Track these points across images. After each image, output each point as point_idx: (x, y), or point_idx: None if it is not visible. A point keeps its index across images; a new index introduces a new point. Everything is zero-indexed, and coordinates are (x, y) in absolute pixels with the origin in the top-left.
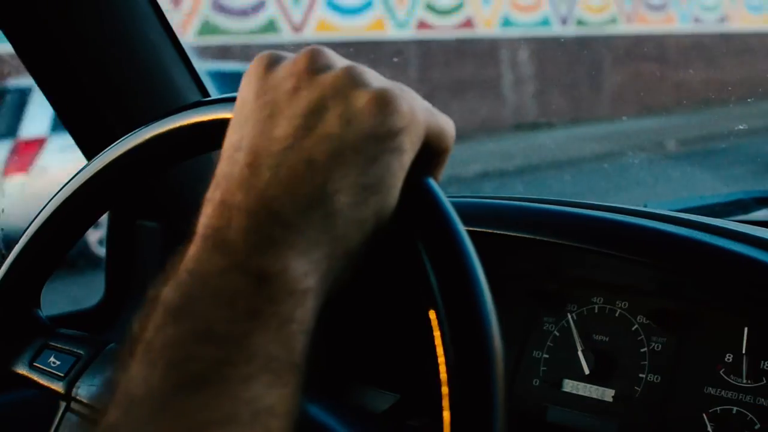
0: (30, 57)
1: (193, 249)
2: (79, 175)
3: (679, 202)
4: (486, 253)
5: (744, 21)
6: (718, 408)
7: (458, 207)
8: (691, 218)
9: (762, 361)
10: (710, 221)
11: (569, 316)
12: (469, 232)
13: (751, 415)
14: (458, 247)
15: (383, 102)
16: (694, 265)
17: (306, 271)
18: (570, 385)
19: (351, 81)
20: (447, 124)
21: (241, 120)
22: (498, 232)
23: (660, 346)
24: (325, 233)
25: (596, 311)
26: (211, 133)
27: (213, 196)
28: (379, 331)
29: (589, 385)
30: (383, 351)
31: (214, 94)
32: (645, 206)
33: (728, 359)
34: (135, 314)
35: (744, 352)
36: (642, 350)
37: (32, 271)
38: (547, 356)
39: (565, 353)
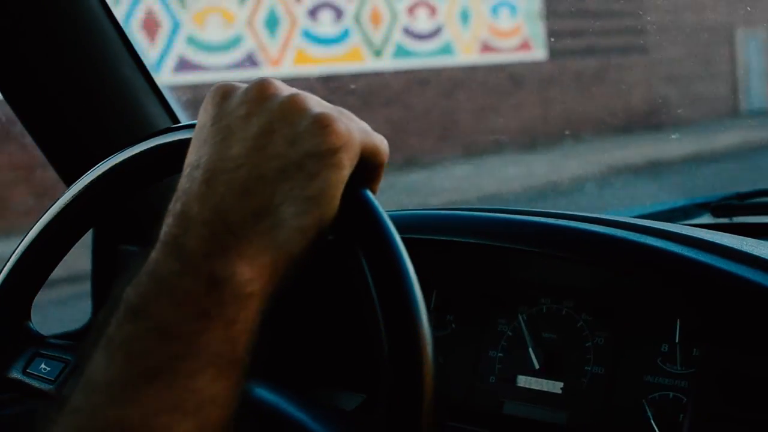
0: (8, 88)
1: (153, 254)
2: (63, 197)
3: (635, 210)
4: (441, 261)
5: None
6: (656, 394)
7: (411, 218)
8: (635, 222)
9: (693, 349)
10: (652, 224)
11: (520, 317)
12: (424, 241)
13: (686, 399)
14: (391, 250)
15: (322, 124)
16: (630, 264)
17: (252, 277)
18: (523, 380)
19: (295, 106)
20: (381, 143)
21: (199, 142)
22: (451, 239)
23: (602, 340)
24: (271, 241)
25: (544, 311)
26: (181, 154)
27: (174, 208)
28: (341, 333)
29: (540, 379)
30: (347, 353)
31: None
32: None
33: (664, 349)
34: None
35: (677, 341)
36: (587, 344)
37: (22, 286)
38: (501, 355)
39: (518, 351)
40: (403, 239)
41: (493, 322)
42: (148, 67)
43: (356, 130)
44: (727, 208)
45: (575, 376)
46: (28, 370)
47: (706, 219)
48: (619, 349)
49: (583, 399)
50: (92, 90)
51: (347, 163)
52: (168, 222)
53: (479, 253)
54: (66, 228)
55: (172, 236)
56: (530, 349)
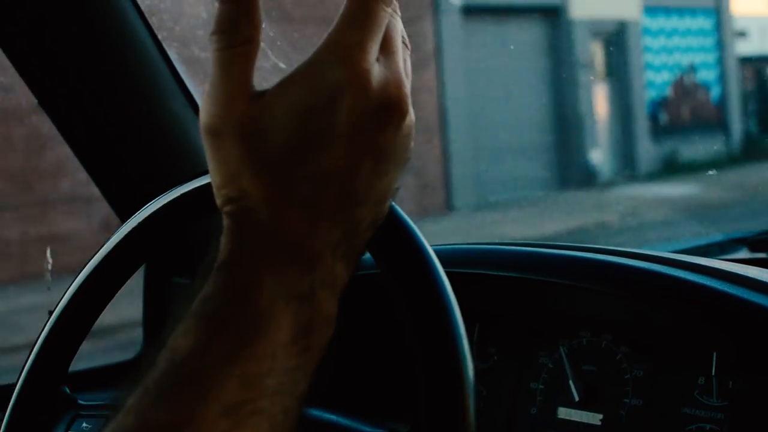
0: (67, 129)
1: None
2: (113, 238)
3: (672, 245)
4: (484, 294)
5: None
6: (693, 426)
7: (455, 252)
8: (672, 257)
9: (729, 382)
10: (689, 259)
11: (561, 350)
12: (467, 275)
13: (722, 431)
14: (435, 284)
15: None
16: (667, 297)
17: (336, 310)
18: (563, 412)
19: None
20: None
21: None
22: (494, 273)
23: (641, 372)
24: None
25: (584, 344)
26: None
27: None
28: (390, 363)
29: (580, 411)
30: (395, 382)
31: None
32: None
33: (701, 381)
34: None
35: (714, 374)
36: (626, 377)
37: (62, 349)
38: (542, 387)
39: (558, 383)
40: (447, 273)
41: (534, 355)
42: (199, 103)
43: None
44: (764, 243)
45: (614, 408)
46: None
47: (743, 254)
48: (657, 382)
49: (621, 431)
50: (145, 127)
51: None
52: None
53: (520, 287)
54: (114, 272)
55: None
56: (570, 381)
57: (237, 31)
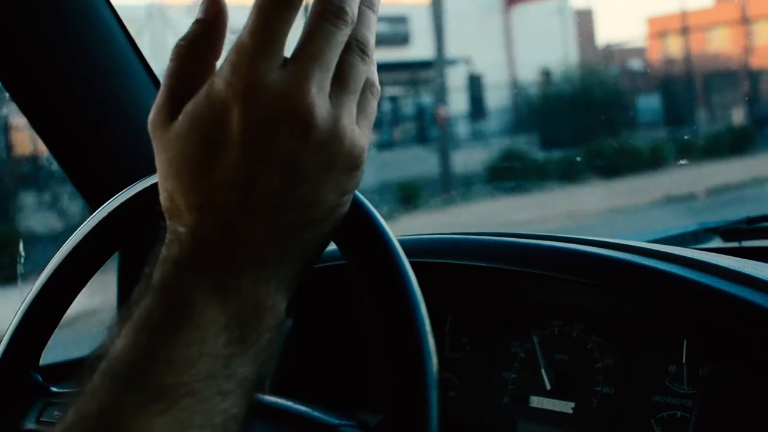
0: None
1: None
2: (83, 226)
3: (646, 234)
4: (456, 285)
5: None
6: (664, 413)
7: (427, 243)
8: (644, 246)
9: (700, 369)
10: (660, 248)
11: (533, 339)
12: (439, 265)
13: (692, 417)
14: (398, 275)
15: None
16: (638, 287)
17: (285, 306)
18: (535, 401)
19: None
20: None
21: None
22: (465, 263)
23: (612, 361)
24: (301, 266)
25: (556, 333)
26: None
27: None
28: (359, 354)
29: (552, 400)
30: (364, 372)
31: None
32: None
33: (671, 369)
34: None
35: (684, 362)
36: (597, 365)
37: (32, 337)
38: (514, 376)
39: (530, 372)
40: (418, 263)
41: (506, 344)
42: None
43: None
44: (736, 233)
45: (586, 397)
46: (41, 419)
47: (716, 243)
48: (628, 370)
49: (593, 419)
50: (116, 116)
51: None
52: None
53: (493, 277)
54: (85, 260)
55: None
56: (542, 370)
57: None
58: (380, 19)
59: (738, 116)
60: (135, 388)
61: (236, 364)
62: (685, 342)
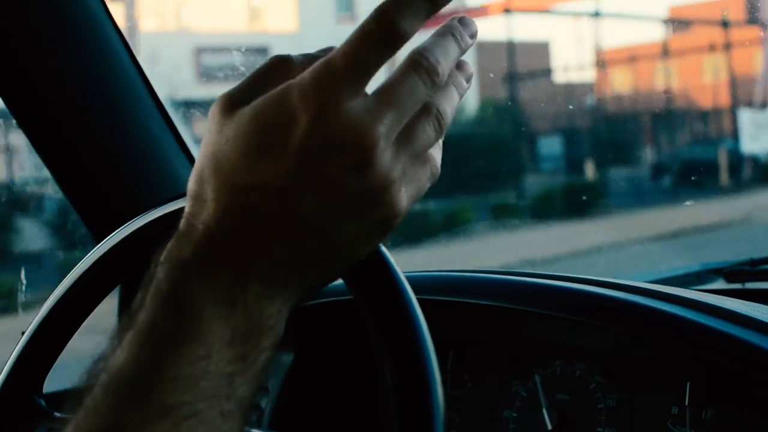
0: (43, 149)
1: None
2: (87, 258)
3: (649, 274)
4: (458, 322)
5: None
6: None
7: (431, 280)
8: (647, 287)
9: (703, 412)
10: (664, 289)
11: (535, 378)
12: (441, 302)
13: None
14: (406, 311)
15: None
16: (641, 328)
17: (282, 329)
18: None
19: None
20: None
21: None
22: (468, 301)
23: (614, 402)
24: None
25: (558, 372)
26: None
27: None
28: (361, 389)
29: None
30: (366, 412)
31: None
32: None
33: (674, 411)
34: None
35: (687, 404)
36: (599, 406)
37: (35, 366)
38: (515, 415)
39: (532, 412)
40: (421, 300)
41: (508, 383)
42: (177, 126)
43: (414, 194)
44: (740, 274)
45: None
46: None
47: (720, 284)
48: (631, 411)
49: None
50: (123, 147)
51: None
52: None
53: (495, 315)
54: (88, 292)
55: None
56: (544, 410)
57: None
58: (240, 51)
59: (590, 169)
60: (138, 406)
61: (237, 383)
62: (688, 384)
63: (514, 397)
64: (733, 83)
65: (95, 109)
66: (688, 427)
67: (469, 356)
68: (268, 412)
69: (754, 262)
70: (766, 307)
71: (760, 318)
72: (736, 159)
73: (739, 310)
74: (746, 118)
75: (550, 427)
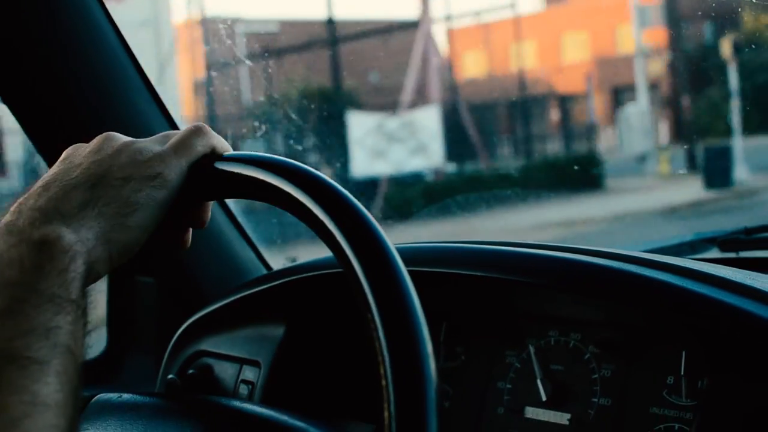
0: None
1: None
2: None
3: (644, 244)
4: (451, 293)
5: None
6: (662, 426)
7: (422, 251)
8: (642, 256)
9: (699, 381)
10: (658, 258)
11: (529, 349)
12: (434, 274)
13: (690, 430)
14: (396, 282)
15: (143, 155)
16: (636, 297)
17: (77, 240)
18: (531, 412)
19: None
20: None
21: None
22: (461, 272)
23: (609, 372)
24: (96, 223)
25: (552, 343)
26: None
27: (13, 208)
28: (352, 363)
29: (547, 411)
30: (357, 383)
31: (181, 125)
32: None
33: (669, 381)
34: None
35: (683, 374)
36: (594, 377)
37: None
38: (509, 386)
39: (526, 383)
40: (413, 272)
41: (501, 354)
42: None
43: (173, 156)
44: (734, 243)
45: (582, 408)
46: None
47: (714, 253)
48: (626, 381)
49: (590, 430)
50: (93, 97)
51: (167, 185)
52: (6, 217)
53: (488, 286)
54: None
55: (8, 222)
56: (538, 381)
57: None
58: None
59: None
60: None
61: (41, 286)
62: (684, 353)
63: (508, 368)
64: None
65: (64, 56)
66: (684, 396)
67: (462, 328)
68: (260, 386)
69: (748, 231)
70: (760, 275)
71: (754, 286)
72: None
73: (733, 278)
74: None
75: (544, 398)
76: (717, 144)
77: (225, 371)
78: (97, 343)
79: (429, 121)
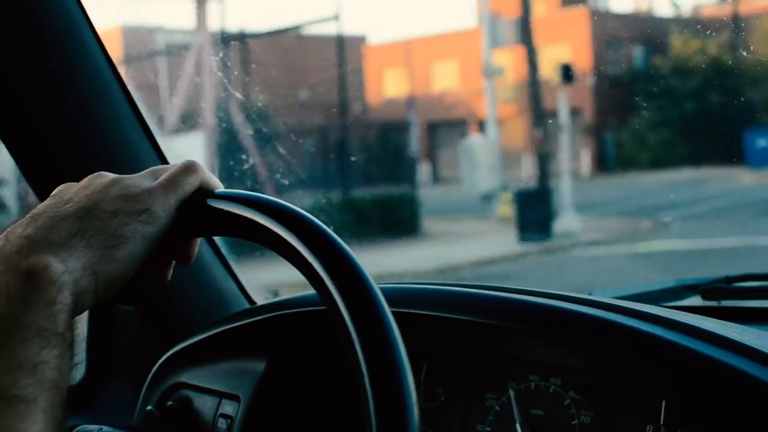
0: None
1: None
2: None
3: (621, 290)
4: (432, 334)
5: None
6: None
7: (405, 292)
8: (624, 305)
9: (678, 431)
10: (640, 307)
11: (509, 392)
12: (415, 315)
13: None
14: (380, 322)
15: (130, 192)
16: (617, 346)
17: (64, 270)
18: None
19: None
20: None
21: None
22: (443, 315)
23: (589, 418)
24: (84, 254)
25: (533, 387)
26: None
27: (1, 237)
28: (331, 403)
29: None
30: (336, 421)
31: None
32: (590, 294)
33: (649, 430)
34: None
35: (662, 422)
36: (573, 422)
37: None
38: (488, 429)
39: (505, 426)
40: (395, 313)
41: (481, 397)
42: (150, 127)
43: (160, 193)
44: (716, 292)
45: None
46: None
47: (695, 301)
48: (605, 428)
49: None
50: (85, 130)
51: (154, 221)
52: None
53: (470, 329)
54: None
55: None
56: (517, 425)
57: None
58: None
59: None
60: None
61: (28, 318)
62: (663, 403)
63: (488, 411)
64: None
65: (60, 95)
66: None
67: (442, 369)
68: (239, 420)
69: (729, 280)
70: (741, 326)
71: (736, 339)
72: None
73: (717, 331)
74: None
75: None
76: (533, 187)
77: (204, 404)
78: (76, 370)
79: (191, 149)
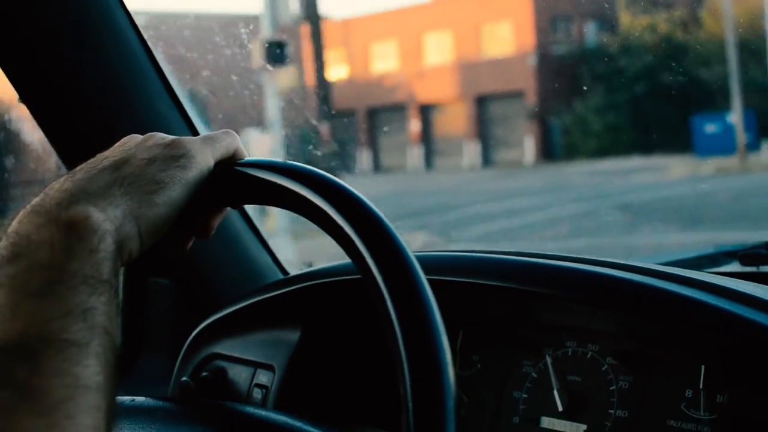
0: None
1: (22, 220)
2: None
3: (659, 257)
4: (468, 302)
5: None
6: None
7: (441, 260)
8: (663, 269)
9: (718, 395)
10: (680, 272)
11: (546, 359)
12: (451, 282)
13: None
14: (416, 291)
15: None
16: (655, 311)
17: (105, 219)
18: (546, 422)
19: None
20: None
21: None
22: (479, 282)
23: (627, 384)
24: (123, 203)
25: (570, 354)
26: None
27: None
28: (369, 370)
29: (563, 421)
30: (374, 389)
31: (202, 130)
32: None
33: (688, 395)
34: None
35: (702, 387)
36: (611, 388)
37: None
38: (525, 396)
39: (542, 393)
40: (430, 280)
41: (518, 364)
42: (184, 103)
43: (198, 142)
44: (755, 257)
45: (599, 419)
46: None
47: (734, 267)
48: (644, 394)
49: None
50: (128, 126)
51: (192, 166)
52: (33, 200)
53: (506, 296)
54: None
55: (35, 204)
56: (555, 391)
57: None
58: None
59: None
60: None
61: (73, 267)
62: (703, 367)
63: (525, 378)
64: None
65: (100, 86)
66: (702, 410)
67: (478, 336)
68: (274, 390)
69: None
70: None
71: None
72: None
73: (755, 294)
74: None
75: (560, 408)
76: None
77: (239, 375)
78: None
79: None
